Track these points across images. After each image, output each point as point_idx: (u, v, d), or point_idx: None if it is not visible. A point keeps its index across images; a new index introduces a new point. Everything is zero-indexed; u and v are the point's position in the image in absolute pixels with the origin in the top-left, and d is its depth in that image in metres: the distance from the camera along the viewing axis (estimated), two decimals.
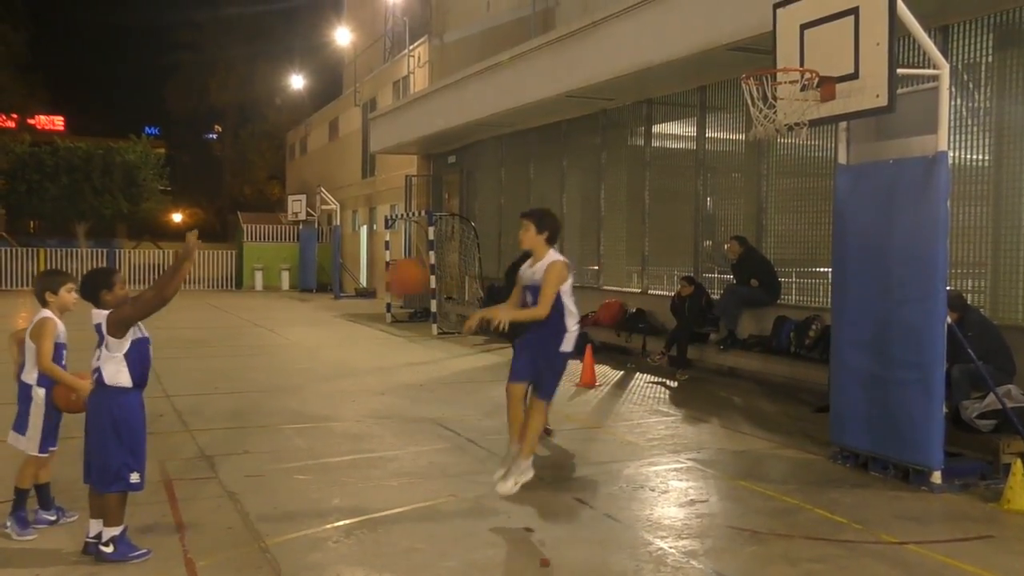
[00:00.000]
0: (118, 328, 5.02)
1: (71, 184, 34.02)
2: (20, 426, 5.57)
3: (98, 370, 5.08)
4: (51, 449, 5.63)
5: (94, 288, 5.15)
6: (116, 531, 5.08)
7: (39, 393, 5.51)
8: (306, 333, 18.04)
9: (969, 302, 8.21)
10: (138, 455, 5.13)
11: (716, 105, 13.22)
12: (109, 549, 5.03)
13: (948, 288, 7.00)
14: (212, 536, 5.52)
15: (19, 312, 21.22)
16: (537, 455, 7.66)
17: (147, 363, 5.20)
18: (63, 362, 5.54)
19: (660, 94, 14.26)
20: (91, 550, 5.07)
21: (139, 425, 5.17)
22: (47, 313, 5.51)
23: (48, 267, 30.31)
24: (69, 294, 5.56)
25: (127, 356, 5.06)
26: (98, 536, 5.07)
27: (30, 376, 5.53)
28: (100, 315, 5.08)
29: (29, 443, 5.54)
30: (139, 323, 5.14)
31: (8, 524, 5.44)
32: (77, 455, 5.28)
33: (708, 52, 11.02)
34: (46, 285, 5.60)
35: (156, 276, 32.30)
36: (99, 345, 5.10)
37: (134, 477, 5.09)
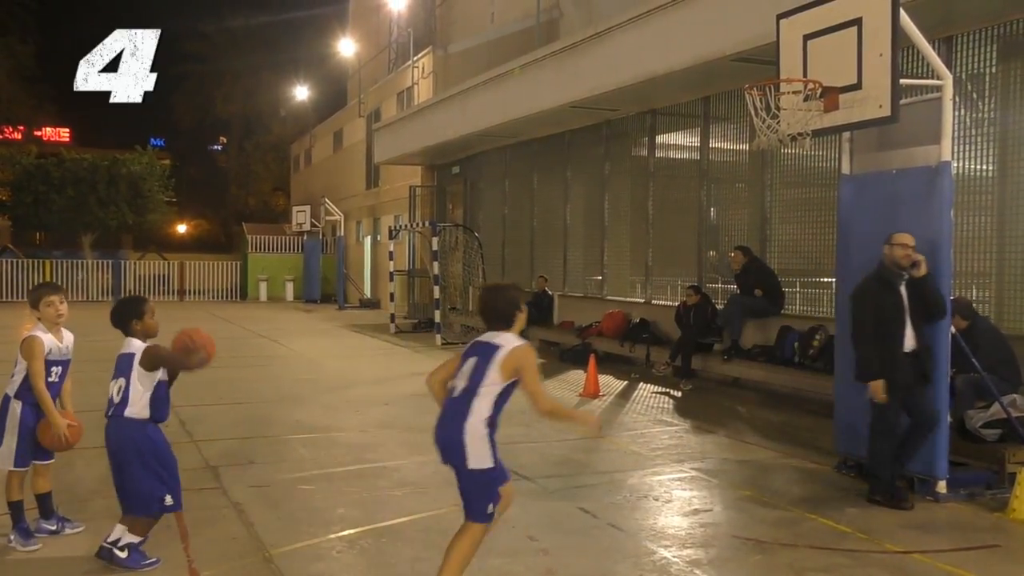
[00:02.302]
0: (151, 363, 5.06)
1: (77, 195, 34.08)
2: None
3: (120, 403, 5.07)
4: (41, 462, 5.57)
5: (125, 318, 5.19)
6: (136, 540, 5.12)
7: (16, 407, 5.44)
8: (310, 344, 18.05)
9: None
10: (167, 478, 5.14)
11: (720, 115, 13.25)
12: (123, 554, 5.06)
13: (957, 296, 7.03)
14: (217, 546, 5.52)
15: (24, 324, 21.21)
16: (541, 464, 7.66)
17: (168, 401, 5.23)
18: (51, 379, 5.45)
19: (664, 104, 14.29)
20: (103, 554, 5.08)
21: (164, 449, 5.18)
22: (35, 331, 5.46)
23: (48, 280, 30.41)
24: (49, 308, 5.47)
25: (155, 392, 5.11)
26: (115, 541, 5.09)
27: (11, 388, 5.47)
28: (134, 346, 5.11)
29: (3, 459, 5.45)
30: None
31: (11, 537, 5.43)
32: (82, 468, 5.30)
33: (712, 62, 11.04)
34: (29, 301, 5.59)
35: (162, 287, 32.44)
36: (120, 376, 5.09)
37: (168, 500, 5.11)
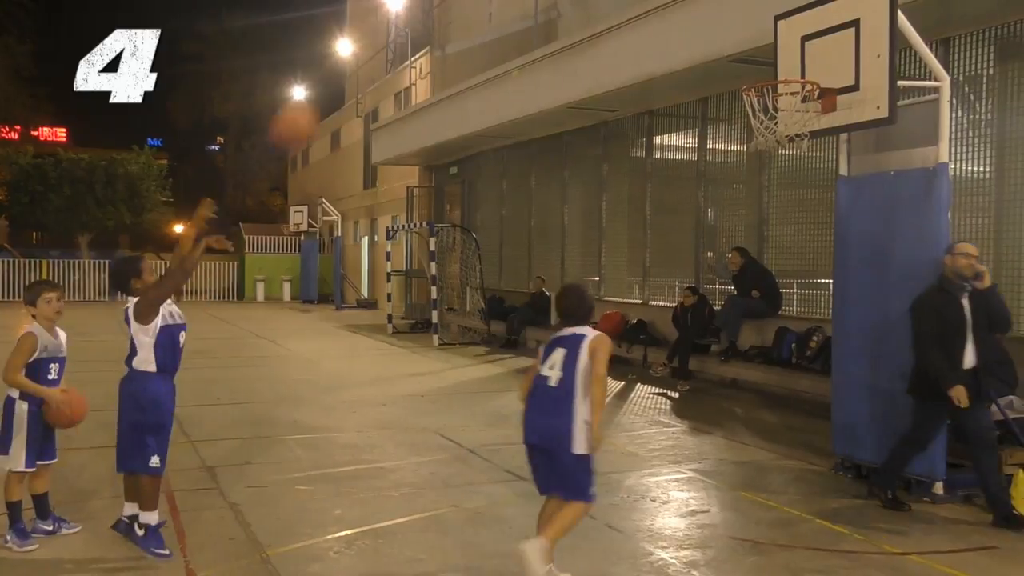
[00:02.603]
0: (144, 314, 5.15)
1: (74, 195, 34.03)
2: (3, 443, 5.46)
3: (129, 355, 5.20)
4: (44, 462, 5.57)
5: (124, 278, 5.31)
6: (153, 519, 5.18)
7: (22, 407, 5.44)
8: (307, 344, 18.04)
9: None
10: (160, 440, 5.24)
11: (717, 116, 13.25)
12: (141, 532, 5.15)
13: None
14: (214, 547, 5.51)
15: (21, 323, 21.19)
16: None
17: (176, 348, 5.32)
18: (50, 376, 5.47)
19: (662, 105, 14.29)
20: (120, 527, 5.17)
21: (164, 409, 5.29)
22: (30, 328, 5.47)
23: (44, 278, 30.39)
24: (48, 304, 5.50)
25: (156, 341, 5.18)
26: (132, 517, 5.13)
27: (14, 390, 5.47)
28: (130, 302, 5.20)
29: (13, 460, 5.44)
30: (174, 310, 5.27)
31: (8, 537, 5.42)
32: (79, 469, 5.31)
33: (709, 64, 11.04)
34: (27, 298, 5.60)
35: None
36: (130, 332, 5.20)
37: (154, 460, 5.20)
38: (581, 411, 4.64)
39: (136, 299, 5.20)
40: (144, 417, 5.21)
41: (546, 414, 4.71)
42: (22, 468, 5.45)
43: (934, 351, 6.31)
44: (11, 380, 5.36)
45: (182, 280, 5.26)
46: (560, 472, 4.70)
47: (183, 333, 5.37)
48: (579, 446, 4.63)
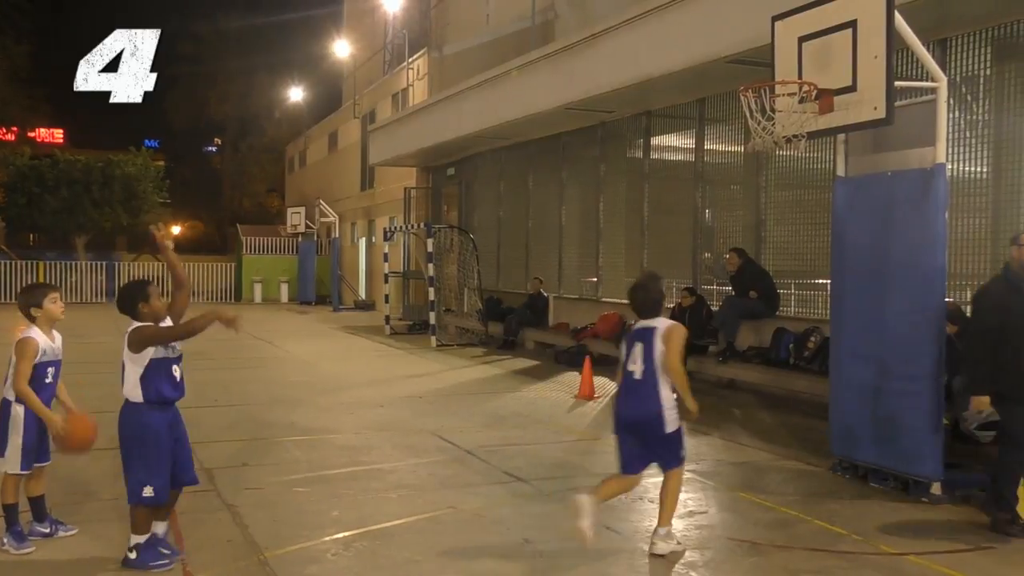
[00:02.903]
0: (136, 344, 5.05)
1: (70, 197, 34.01)
2: None
3: (122, 385, 5.14)
4: (40, 464, 5.56)
5: (131, 301, 5.18)
6: (141, 539, 5.13)
7: (18, 410, 5.41)
8: (305, 345, 18.03)
9: (968, 314, 8.20)
10: (152, 470, 5.11)
11: (715, 117, 13.26)
12: (133, 555, 5.10)
13: (948, 300, 7.01)
14: (211, 549, 5.51)
15: (17, 326, 21.16)
16: (537, 466, 7.68)
17: (169, 379, 5.16)
18: (47, 380, 5.46)
19: (659, 106, 14.30)
20: (125, 561, 5.10)
21: (152, 441, 5.12)
22: (31, 332, 5.45)
23: (41, 280, 30.35)
24: (54, 304, 5.53)
25: (144, 373, 5.08)
26: (130, 544, 5.12)
27: (10, 392, 5.45)
28: (130, 325, 5.13)
29: (9, 463, 5.42)
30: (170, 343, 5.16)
31: (4, 540, 5.40)
32: (76, 471, 5.30)
33: (707, 64, 11.04)
34: (30, 300, 5.54)
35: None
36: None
37: (147, 491, 5.10)
38: (666, 396, 5.35)
39: (135, 325, 5.11)
40: (131, 449, 5.10)
41: (638, 405, 5.42)
42: (18, 471, 5.43)
43: (983, 349, 6.08)
44: (22, 390, 5.31)
45: (184, 337, 5.17)
46: (658, 450, 5.44)
47: (177, 366, 5.21)
48: (670, 425, 5.37)
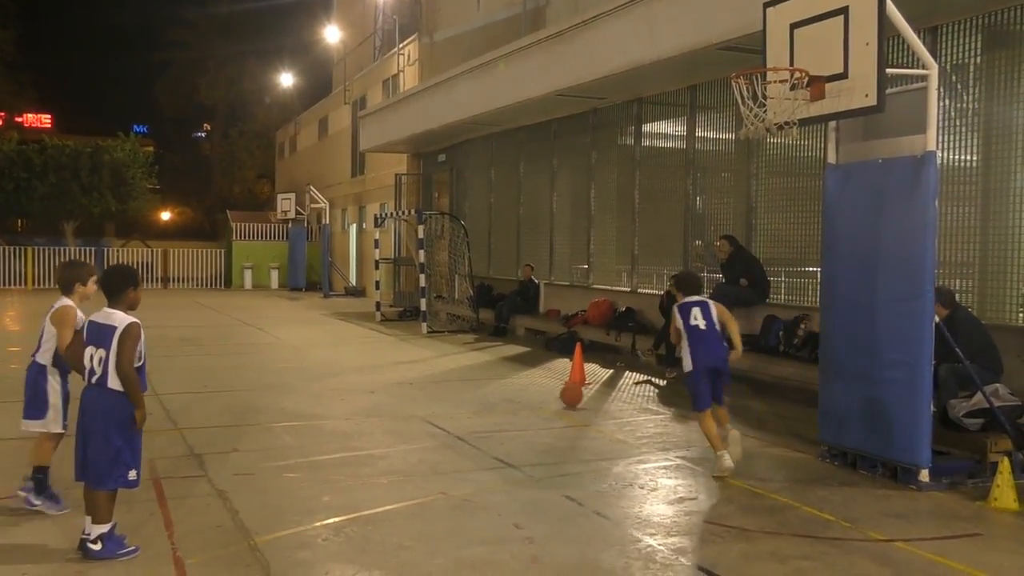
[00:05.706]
0: (128, 349, 5.11)
1: (59, 182, 33.84)
2: (37, 411, 5.79)
3: (103, 374, 5.07)
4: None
5: (122, 284, 5.21)
6: (104, 528, 5.06)
7: (54, 375, 5.80)
8: (296, 332, 18.01)
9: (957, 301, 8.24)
10: (136, 453, 5.16)
11: (706, 104, 13.24)
12: (97, 547, 5.02)
13: (938, 285, 7.04)
14: (201, 534, 5.50)
15: (7, 311, 21.11)
16: (527, 452, 7.70)
17: (144, 372, 5.29)
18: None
19: (650, 93, 14.28)
20: (84, 547, 5.05)
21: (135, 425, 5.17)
22: (68, 301, 5.71)
23: (30, 267, 30.28)
24: (93, 286, 5.81)
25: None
26: (87, 535, 5.05)
27: (44, 357, 5.78)
28: (115, 319, 5.09)
29: (50, 423, 5.79)
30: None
31: (38, 502, 5.72)
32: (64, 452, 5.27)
33: (698, 51, 11.02)
34: (76, 276, 5.81)
35: (145, 275, 32.28)
36: (100, 346, 5.07)
37: (132, 475, 5.11)
38: (724, 346, 7.19)
39: (127, 326, 5.04)
40: (122, 433, 5.07)
41: (712, 349, 7.16)
42: (60, 429, 5.82)
43: None
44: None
45: (136, 392, 5.13)
46: (722, 382, 7.28)
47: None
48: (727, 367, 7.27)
